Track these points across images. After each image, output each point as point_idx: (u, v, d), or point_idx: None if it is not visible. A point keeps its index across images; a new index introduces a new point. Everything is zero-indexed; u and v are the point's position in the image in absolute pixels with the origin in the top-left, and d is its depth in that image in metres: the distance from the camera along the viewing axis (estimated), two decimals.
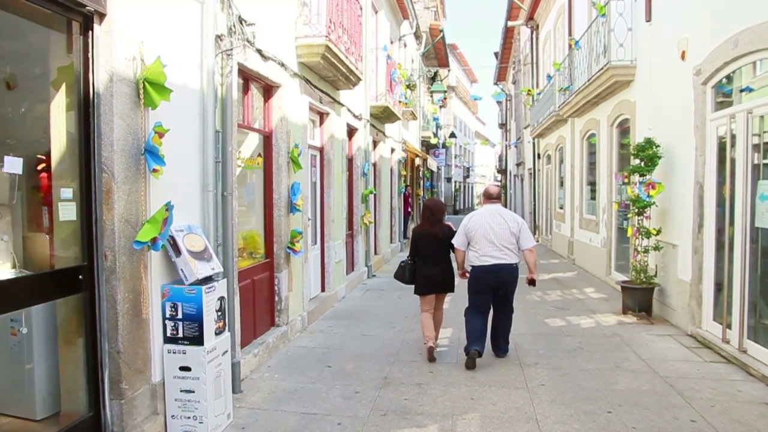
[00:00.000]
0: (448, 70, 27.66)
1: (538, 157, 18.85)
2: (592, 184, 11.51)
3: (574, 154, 13.05)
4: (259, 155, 5.85)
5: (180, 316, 3.73)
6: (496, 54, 28.10)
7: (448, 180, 39.78)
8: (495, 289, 5.35)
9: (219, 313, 3.95)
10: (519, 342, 6.11)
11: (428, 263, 5.58)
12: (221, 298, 3.99)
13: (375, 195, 12.56)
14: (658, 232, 7.02)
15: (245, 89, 5.53)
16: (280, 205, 6.07)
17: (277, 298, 6.13)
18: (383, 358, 5.62)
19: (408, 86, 15.91)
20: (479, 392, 4.67)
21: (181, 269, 3.74)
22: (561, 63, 12.77)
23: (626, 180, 7.54)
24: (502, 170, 38.92)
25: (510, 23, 19.36)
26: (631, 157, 7.43)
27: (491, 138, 53.21)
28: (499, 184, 38.43)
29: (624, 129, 9.45)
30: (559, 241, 14.91)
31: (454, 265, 5.65)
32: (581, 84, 10.55)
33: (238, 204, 5.82)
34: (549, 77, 13.86)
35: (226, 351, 4.08)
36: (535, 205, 20.05)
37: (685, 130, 6.45)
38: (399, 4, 14.46)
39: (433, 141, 21.77)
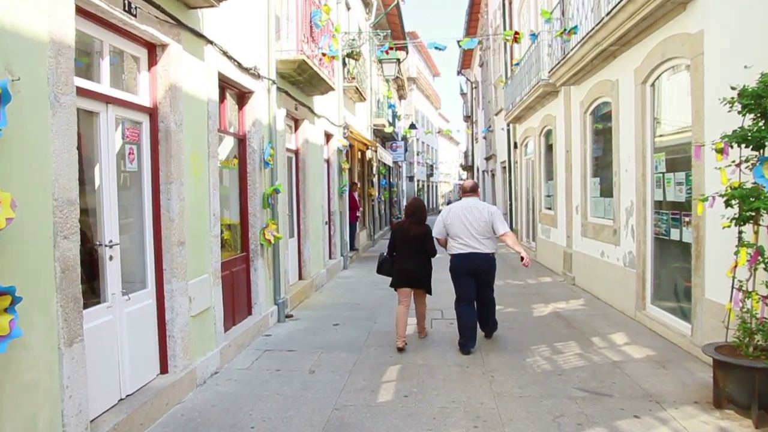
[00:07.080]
0: (406, 53, 24.07)
1: (515, 146, 15.44)
2: (605, 175, 8.08)
3: (570, 135, 9.63)
4: None
5: None
6: (459, 42, 24.59)
7: (411, 179, 36.10)
8: (475, 274, 5.57)
9: None
10: None
11: (405, 259, 5.78)
12: None
13: (298, 195, 8.88)
14: None
15: None
16: None
17: None
18: None
19: (350, 54, 12.32)
20: None
21: None
22: (551, 12, 9.34)
23: (718, 155, 4.05)
24: (468, 167, 35.68)
25: None
26: (733, 107, 3.91)
27: (456, 137, 50.09)
28: (471, 178, 35.36)
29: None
30: (549, 252, 11.46)
31: (434, 265, 5.91)
32: (590, 29, 7.13)
33: None
34: (533, 36, 10.41)
35: None
36: (511, 205, 16.62)
37: None
38: None
39: (388, 130, 18.13)
